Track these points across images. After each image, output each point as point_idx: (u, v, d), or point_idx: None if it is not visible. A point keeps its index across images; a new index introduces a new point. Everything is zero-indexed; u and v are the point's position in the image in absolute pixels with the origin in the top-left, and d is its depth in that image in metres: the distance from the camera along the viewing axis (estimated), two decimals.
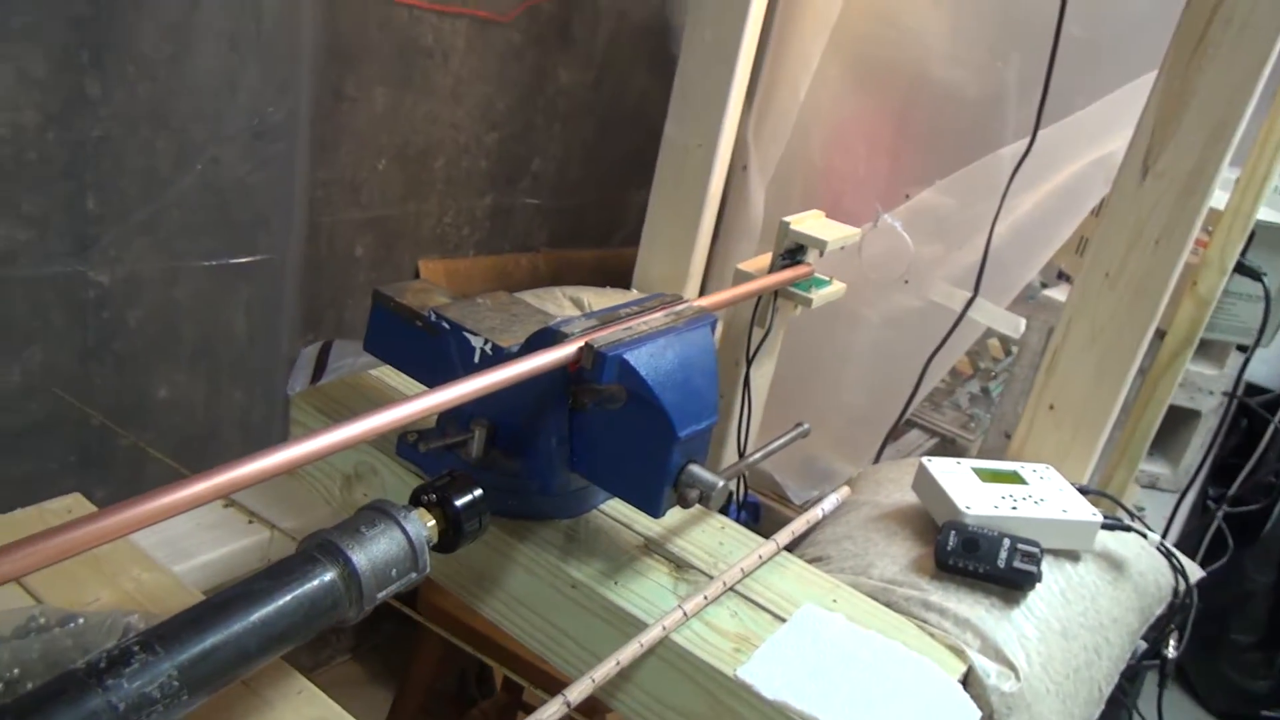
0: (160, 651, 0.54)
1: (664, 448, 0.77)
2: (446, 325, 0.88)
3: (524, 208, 1.92)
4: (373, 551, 0.65)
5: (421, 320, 0.90)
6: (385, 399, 0.98)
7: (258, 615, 0.59)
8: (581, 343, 0.76)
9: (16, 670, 0.63)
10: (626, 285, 1.60)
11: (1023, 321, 1.24)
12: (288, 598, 0.60)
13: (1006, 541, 0.84)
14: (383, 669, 1.99)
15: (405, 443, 0.91)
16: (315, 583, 0.62)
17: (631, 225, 2.17)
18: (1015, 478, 0.94)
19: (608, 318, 0.80)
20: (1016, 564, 0.83)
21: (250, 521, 0.94)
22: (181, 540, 0.88)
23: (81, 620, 0.68)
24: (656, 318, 0.82)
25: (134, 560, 0.80)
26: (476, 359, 0.87)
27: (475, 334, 0.86)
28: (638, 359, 0.76)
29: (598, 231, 2.11)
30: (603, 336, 0.76)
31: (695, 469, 0.78)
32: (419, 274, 1.75)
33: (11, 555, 0.50)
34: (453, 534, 0.71)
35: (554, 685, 0.71)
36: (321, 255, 1.61)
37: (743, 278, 1.05)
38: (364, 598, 0.64)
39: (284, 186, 1.46)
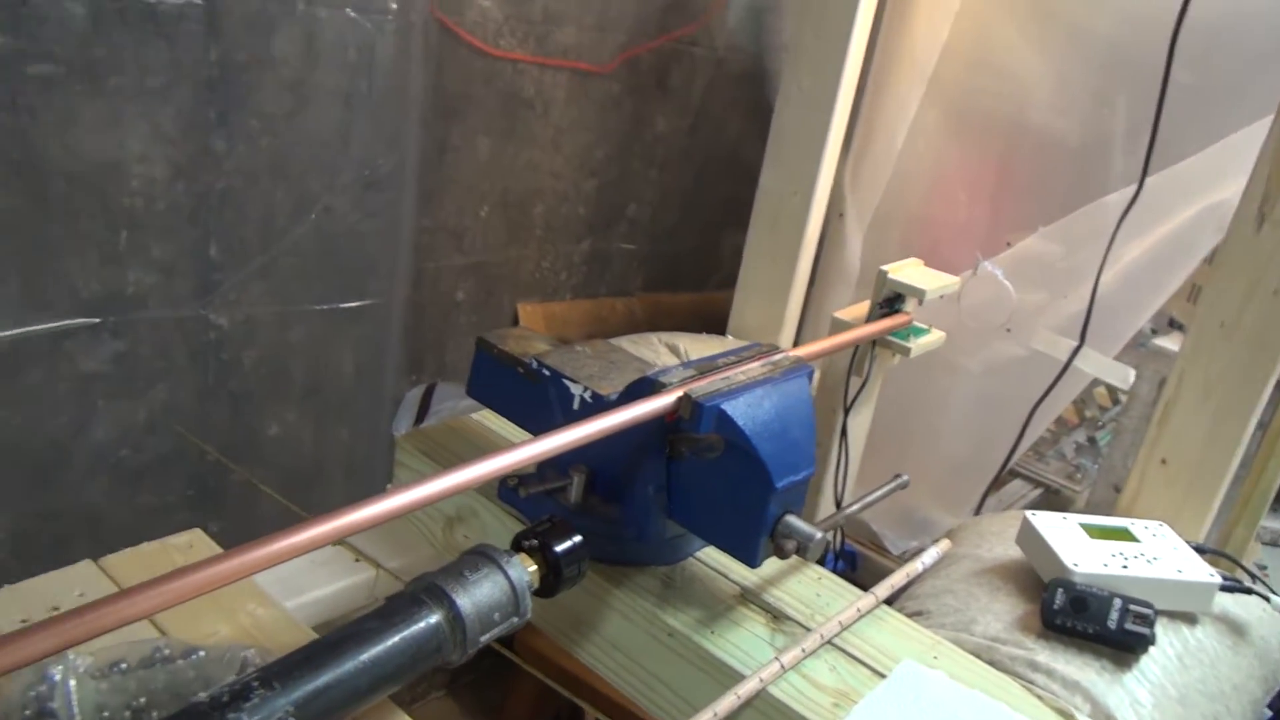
0: (277, 688, 0.57)
1: (761, 498, 0.77)
2: (547, 372, 0.90)
3: (620, 253, 1.95)
4: (476, 595, 0.66)
5: (523, 367, 0.93)
6: (486, 443, 1.01)
7: (368, 655, 0.61)
8: (680, 393, 0.77)
9: (143, 699, 0.67)
10: (722, 330, 1.60)
11: (1132, 372, 1.20)
12: (395, 639, 0.62)
13: (1117, 601, 0.81)
14: (477, 706, 2.00)
15: (506, 487, 0.93)
16: (421, 624, 0.64)
17: (726, 270, 2.18)
18: (1126, 535, 0.91)
19: (705, 367, 0.81)
20: (1128, 625, 0.80)
21: (357, 560, 0.97)
22: (293, 577, 0.92)
23: (203, 653, 0.71)
24: (754, 367, 0.82)
25: (250, 595, 0.83)
26: (576, 406, 0.88)
27: (575, 381, 0.88)
28: (735, 409, 0.76)
29: (693, 276, 2.13)
30: (700, 387, 0.77)
31: (792, 520, 0.78)
32: (518, 317, 1.79)
33: (146, 594, 0.53)
34: (553, 579, 0.72)
35: None
36: (425, 299, 1.66)
37: (840, 326, 1.04)
38: (467, 641, 0.65)
39: (392, 234, 1.52)
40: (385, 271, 1.53)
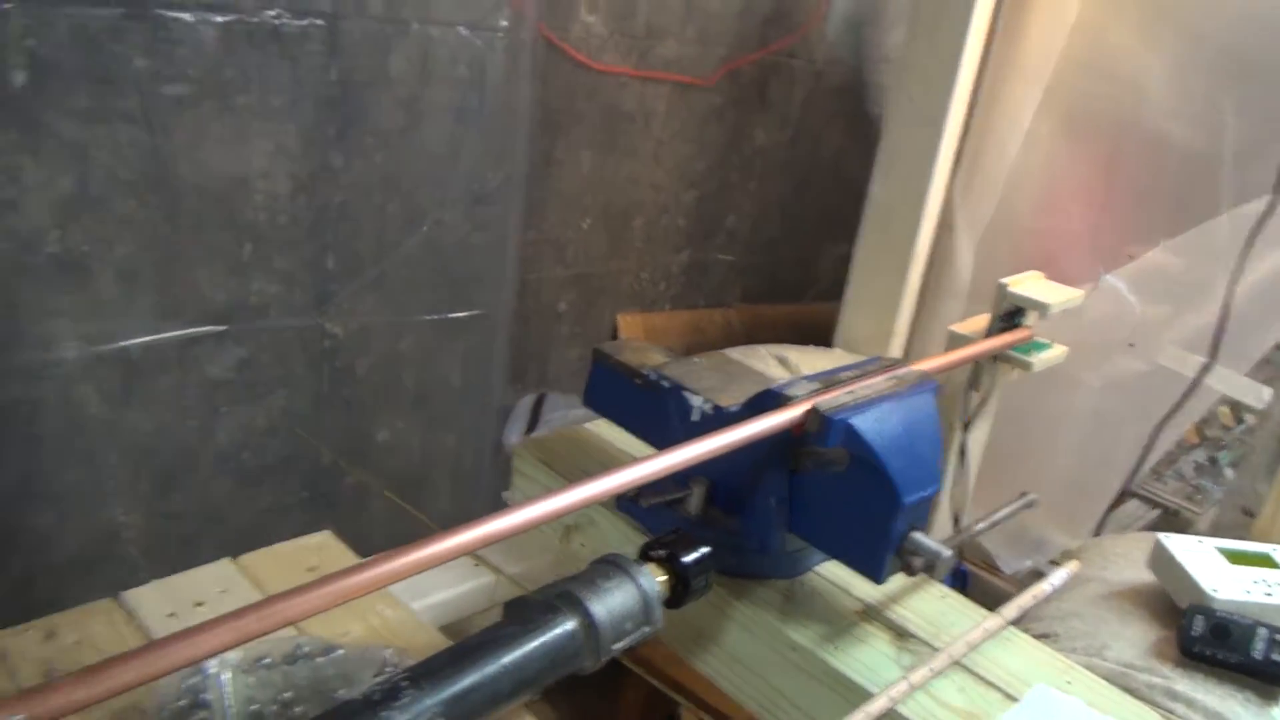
0: (426, 688, 0.58)
1: (888, 514, 0.76)
2: (666, 384, 0.91)
3: (719, 264, 1.95)
4: (610, 603, 0.67)
5: (640, 378, 0.93)
6: (602, 453, 1.02)
7: (509, 659, 0.62)
8: (806, 406, 0.76)
9: (289, 694, 0.69)
10: (819, 342, 1.59)
11: (1268, 391, 1.16)
12: (533, 645, 0.63)
13: (1263, 631, 0.78)
14: (571, 713, 2.02)
15: (625, 497, 0.93)
16: (558, 631, 0.65)
17: (824, 282, 2.17)
18: (1268, 561, 0.87)
19: (829, 381, 0.81)
20: (1276, 656, 0.77)
21: (477, 565, 0.98)
22: (417, 580, 0.93)
23: (341, 651, 0.74)
24: (878, 382, 0.81)
25: (379, 597, 0.85)
26: (695, 417, 0.89)
27: (695, 393, 0.88)
28: (863, 424, 0.76)
29: (790, 288, 2.12)
30: (827, 400, 0.77)
31: (920, 537, 0.77)
32: (617, 328, 1.81)
33: (300, 598, 0.53)
34: (681, 590, 0.73)
35: None
36: (528, 310, 1.69)
37: (958, 341, 1.03)
38: (601, 649, 0.66)
39: (499, 247, 1.55)
40: (492, 283, 1.56)
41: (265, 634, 0.53)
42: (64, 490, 1.27)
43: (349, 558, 0.90)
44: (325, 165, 1.36)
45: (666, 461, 0.71)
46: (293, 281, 1.38)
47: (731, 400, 0.87)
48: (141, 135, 1.20)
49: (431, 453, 1.63)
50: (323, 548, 0.91)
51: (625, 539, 0.93)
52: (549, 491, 0.65)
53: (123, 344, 1.26)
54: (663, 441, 0.93)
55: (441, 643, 0.82)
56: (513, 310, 1.65)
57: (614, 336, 1.80)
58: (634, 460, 0.70)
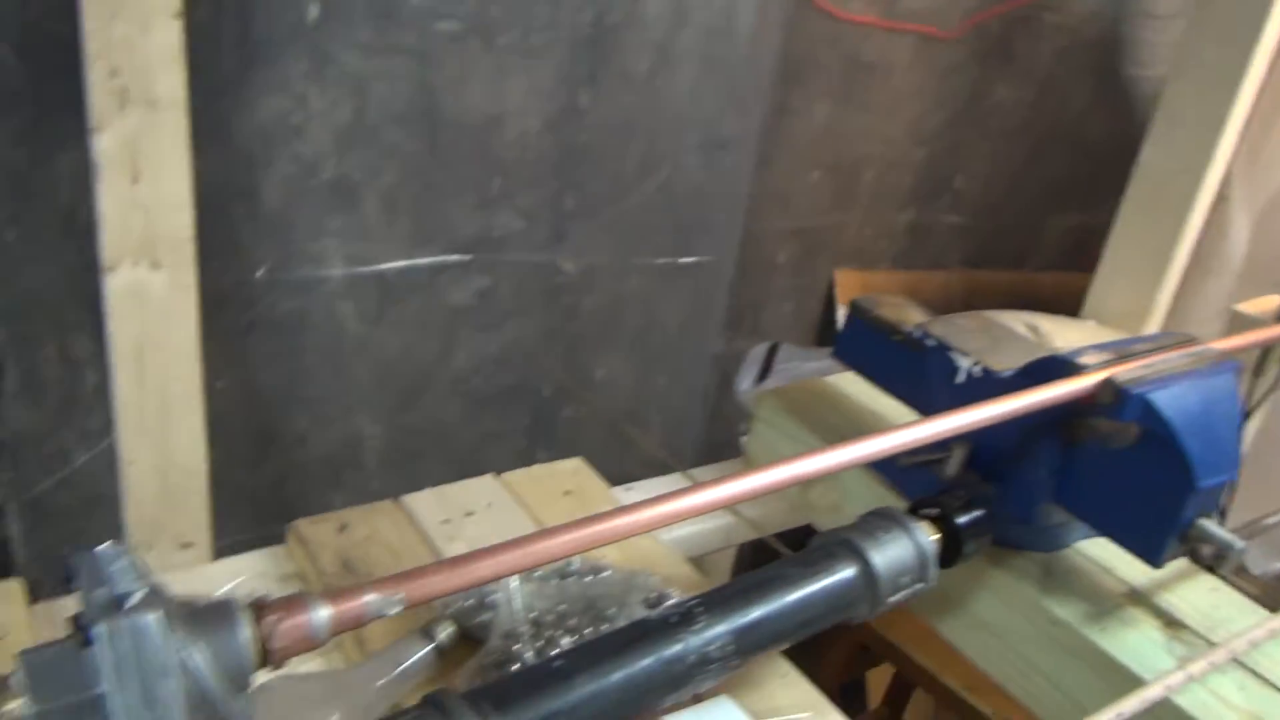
0: (718, 616, 0.60)
1: (1178, 497, 0.72)
2: (931, 342, 0.89)
3: (942, 225, 1.89)
4: (888, 555, 0.67)
5: (901, 335, 0.92)
6: (849, 407, 1.01)
7: (792, 599, 0.63)
8: (1100, 377, 0.73)
9: (563, 606, 0.73)
10: (1038, 311, 1.52)
11: None
12: (815, 587, 0.64)
13: None
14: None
15: None
16: (839, 577, 0.65)
17: (1048, 251, 2.07)
18: None
19: (1122, 353, 0.77)
20: None
21: None
22: None
23: (609, 573, 0.77)
24: (1175, 358, 0.77)
25: None
26: (961, 379, 0.87)
27: (963, 353, 0.86)
28: (1163, 400, 0.72)
29: (1012, 255, 2.03)
30: (1124, 373, 0.73)
31: (1210, 525, 0.73)
32: (834, 284, 1.78)
33: (580, 531, 0.54)
34: (952, 552, 0.72)
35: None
36: (748, 260, 1.68)
37: (1243, 322, 0.96)
38: (878, 599, 0.66)
39: (731, 195, 1.55)
40: (720, 231, 1.57)
41: (552, 560, 0.54)
42: (318, 398, 1.37)
43: (599, 484, 0.94)
44: (573, 106, 1.39)
45: (952, 423, 0.69)
46: (533, 218, 1.43)
47: (1003, 364, 0.84)
48: (414, 69, 1.26)
49: (644, 393, 1.67)
50: (576, 473, 0.95)
51: (869, 493, 0.92)
52: (817, 449, 0.64)
53: (380, 267, 1.34)
54: (921, 401, 0.92)
55: (691, 574, 0.84)
56: (734, 259, 1.65)
57: (830, 293, 1.78)
58: (915, 423, 0.68)
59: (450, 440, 1.52)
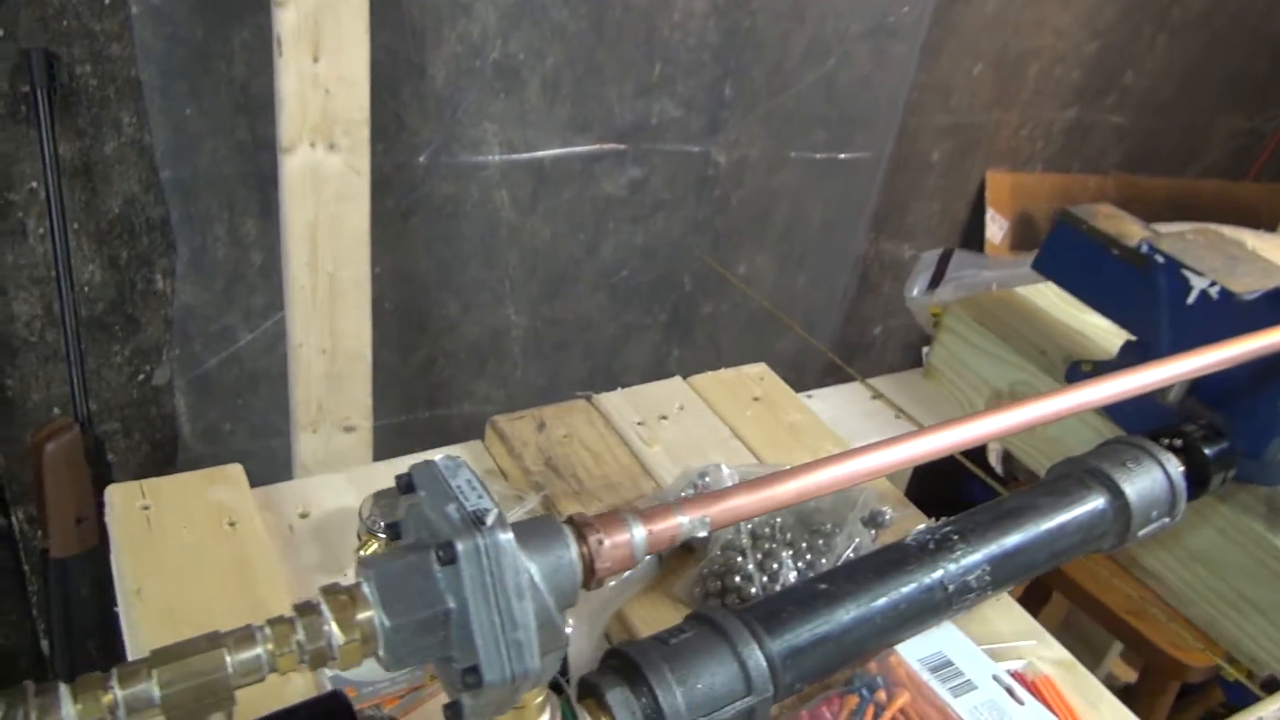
0: (974, 545, 0.58)
1: None
2: (1160, 259, 0.83)
3: (1104, 125, 1.78)
4: (1139, 487, 0.64)
5: (1121, 248, 0.86)
6: (1043, 321, 0.97)
7: (1045, 529, 0.61)
8: None
9: (778, 519, 0.72)
10: (1197, 220, 1.43)
11: None
12: (1067, 517, 0.62)
13: None
14: None
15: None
16: (1090, 508, 0.62)
17: (1212, 156, 1.94)
18: None
19: None
20: None
21: (897, 416, 0.98)
22: (843, 422, 0.94)
23: None
24: None
25: (827, 436, 0.87)
26: (1192, 300, 0.81)
27: (1198, 273, 0.81)
28: None
29: (1173, 160, 1.91)
30: None
31: None
32: (985, 186, 1.70)
33: (823, 470, 0.51)
34: (1196, 485, 0.69)
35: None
36: (901, 157, 1.61)
37: None
38: (1128, 532, 0.63)
39: (896, 87, 1.47)
40: (880, 126, 1.50)
41: (788, 503, 0.51)
42: (470, 285, 1.37)
43: (786, 390, 0.92)
44: None
45: (1225, 354, 0.65)
46: (691, 106, 1.38)
47: (1244, 286, 0.78)
48: None
49: (783, 291, 1.63)
50: (763, 378, 0.92)
51: (1076, 418, 0.89)
52: (1061, 389, 0.59)
53: (537, 154, 1.31)
54: (1138, 322, 0.87)
55: (890, 488, 0.82)
56: (888, 156, 1.58)
57: (981, 194, 1.70)
58: (1170, 360, 0.64)
59: (591, 333, 1.52)
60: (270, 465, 1.28)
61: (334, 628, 0.36)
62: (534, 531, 0.40)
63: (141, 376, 1.23)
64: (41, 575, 1.27)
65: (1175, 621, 1.04)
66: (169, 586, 0.63)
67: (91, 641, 1.15)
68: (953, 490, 1.25)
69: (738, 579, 0.68)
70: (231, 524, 0.68)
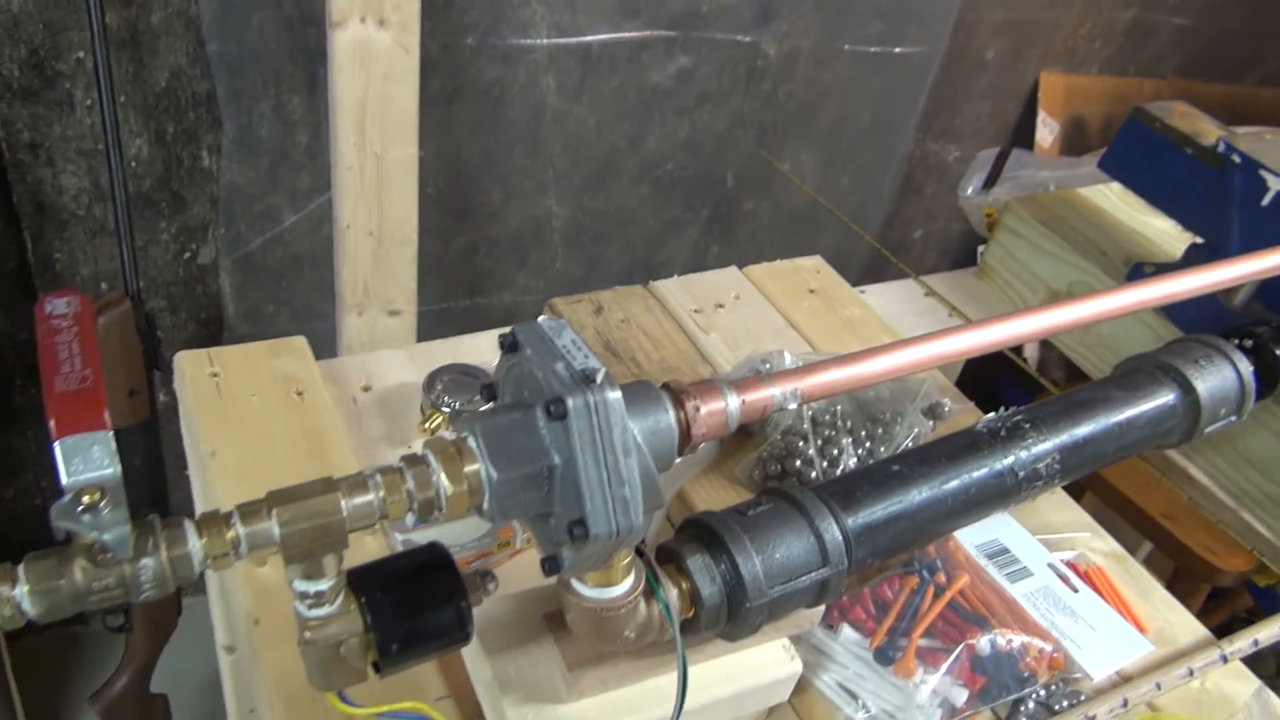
0: (1045, 434, 0.58)
1: None
2: (1237, 159, 0.81)
3: (1166, 27, 1.71)
4: (1210, 384, 0.64)
5: (1195, 147, 0.84)
6: (1105, 221, 0.95)
7: (1114, 421, 0.61)
8: None
9: (839, 406, 0.72)
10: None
11: None
12: (1136, 411, 0.62)
13: None
14: None
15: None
16: (1160, 403, 0.62)
17: (1274, 63, 1.88)
18: None
19: None
20: None
21: (950, 315, 0.97)
22: (896, 319, 0.94)
23: None
24: None
25: (884, 331, 0.86)
26: (1266, 201, 0.80)
27: (1276, 174, 0.79)
28: None
29: (1233, 65, 1.85)
30: None
31: None
32: (1038, 87, 1.65)
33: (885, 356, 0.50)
34: (1264, 386, 0.68)
35: None
36: (955, 54, 1.56)
37: None
38: (1196, 429, 0.64)
39: None
40: (938, 18, 1.45)
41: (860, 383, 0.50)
42: (513, 173, 1.35)
43: (842, 284, 0.91)
44: None
45: (1274, 261, 0.63)
46: None
47: None
48: None
49: (824, 190, 1.61)
50: (819, 271, 0.92)
51: (1133, 316, 0.88)
52: (1129, 285, 0.58)
53: (585, 39, 1.28)
54: (1208, 223, 0.86)
55: (946, 382, 0.82)
56: (942, 52, 1.53)
57: (1033, 96, 1.65)
58: (1227, 259, 0.63)
59: (632, 226, 1.50)
60: (313, 349, 1.29)
61: (443, 478, 0.37)
62: (634, 395, 0.40)
63: (187, 255, 1.23)
64: None
65: (1209, 527, 1.06)
66: (241, 450, 0.64)
67: (144, 511, 1.18)
68: (990, 392, 1.25)
69: (798, 463, 0.68)
70: (299, 393, 0.69)
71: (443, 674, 0.54)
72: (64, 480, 0.31)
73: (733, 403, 0.43)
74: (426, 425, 0.69)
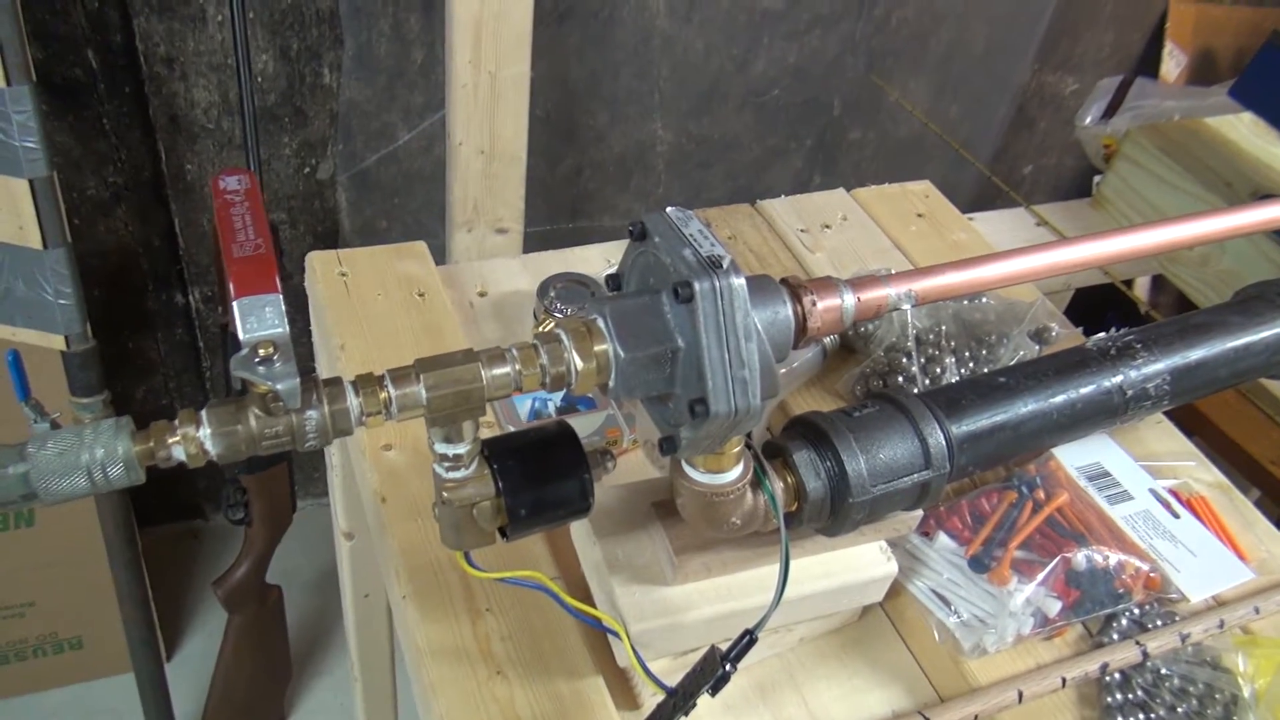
0: (1157, 355, 0.58)
1: None
2: None
3: None
4: None
5: None
6: (1232, 150, 0.92)
7: (1230, 345, 0.60)
8: None
9: (943, 327, 0.72)
10: None
11: None
12: (1255, 338, 0.61)
13: None
14: None
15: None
16: (1277, 330, 0.61)
17: None
18: None
19: None
20: None
21: (1038, 224, 0.95)
22: (1007, 245, 0.92)
23: (987, 300, 0.75)
24: None
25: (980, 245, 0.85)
26: None
27: None
28: None
29: None
30: None
31: None
32: (1166, 15, 1.58)
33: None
34: None
35: None
36: None
37: None
38: None
39: None
40: None
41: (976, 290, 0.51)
42: (621, 96, 1.36)
43: (951, 209, 0.90)
44: None
45: None
46: None
47: None
48: None
49: (935, 120, 1.57)
50: (927, 195, 0.91)
51: (1253, 248, 0.86)
52: (1219, 211, 0.56)
53: None
54: None
55: (1055, 310, 0.81)
56: None
57: (1161, 25, 1.58)
58: None
59: (735, 152, 1.50)
60: None
61: (575, 355, 0.39)
62: (755, 286, 0.42)
63: (307, 170, 1.28)
64: (218, 350, 1.38)
65: None
66: (369, 346, 0.68)
67: None
68: (1099, 330, 1.22)
69: (900, 379, 0.69)
70: (421, 294, 0.73)
71: (554, 557, 0.57)
72: (241, 335, 0.35)
73: (848, 299, 0.44)
74: (540, 330, 0.72)
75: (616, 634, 0.49)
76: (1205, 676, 0.52)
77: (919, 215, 0.89)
